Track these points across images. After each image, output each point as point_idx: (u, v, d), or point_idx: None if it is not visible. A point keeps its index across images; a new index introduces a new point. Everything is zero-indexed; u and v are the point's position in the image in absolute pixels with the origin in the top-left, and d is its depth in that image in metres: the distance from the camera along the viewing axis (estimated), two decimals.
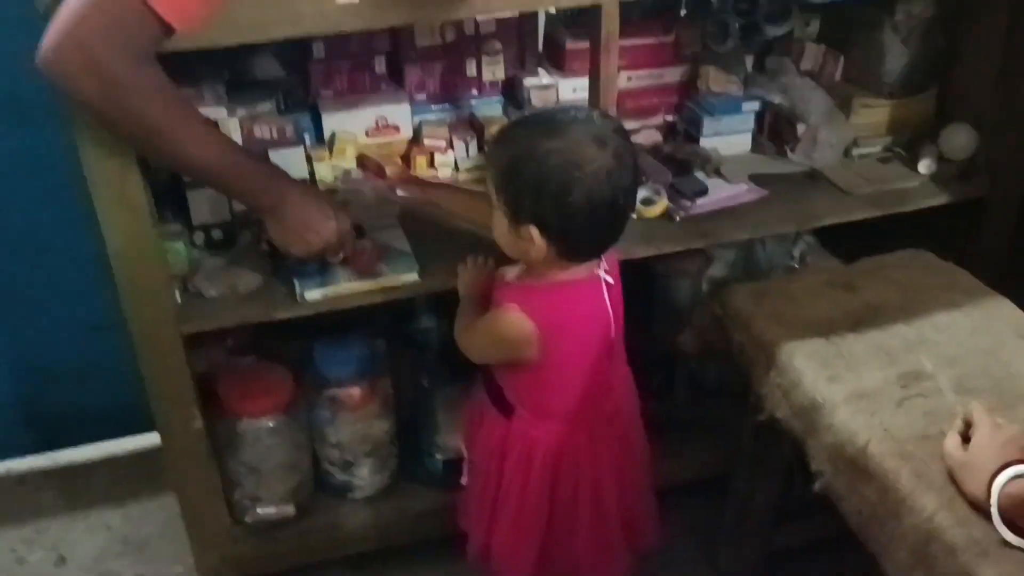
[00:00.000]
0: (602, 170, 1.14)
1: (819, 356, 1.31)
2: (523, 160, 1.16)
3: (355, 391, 1.57)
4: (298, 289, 1.38)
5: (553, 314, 1.24)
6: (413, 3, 1.20)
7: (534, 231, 1.17)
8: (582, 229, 1.18)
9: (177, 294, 1.36)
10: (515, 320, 1.23)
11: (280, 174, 1.31)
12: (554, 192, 1.14)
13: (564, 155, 1.14)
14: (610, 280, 1.26)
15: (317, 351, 1.57)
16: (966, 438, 1.11)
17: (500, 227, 1.22)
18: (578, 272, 1.24)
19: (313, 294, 1.38)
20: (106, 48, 1.03)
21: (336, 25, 1.19)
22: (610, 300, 1.27)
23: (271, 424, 1.54)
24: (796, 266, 1.82)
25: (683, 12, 1.72)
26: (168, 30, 1.05)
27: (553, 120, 1.18)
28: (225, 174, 1.20)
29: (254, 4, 1.12)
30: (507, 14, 1.61)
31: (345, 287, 1.39)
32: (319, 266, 1.39)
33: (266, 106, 1.56)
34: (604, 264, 1.26)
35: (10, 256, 1.74)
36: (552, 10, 1.68)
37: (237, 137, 1.52)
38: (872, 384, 1.25)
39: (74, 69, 1.03)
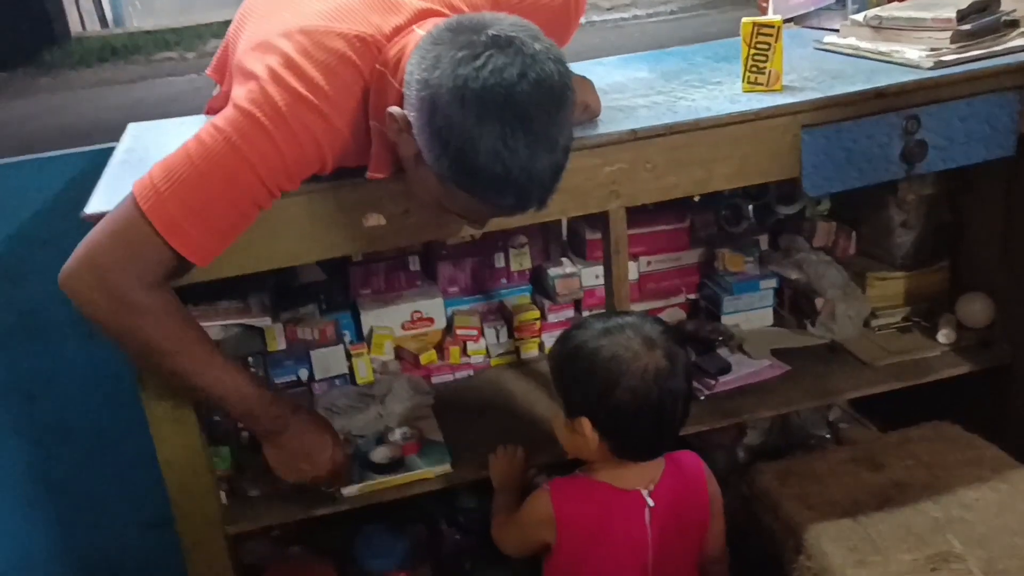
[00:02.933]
0: (649, 369, 1.22)
1: (846, 538, 1.32)
2: (575, 354, 1.26)
3: None
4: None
5: (579, 508, 1.28)
6: (435, 224, 1.31)
7: (586, 424, 1.25)
8: (629, 425, 1.24)
9: (223, 495, 1.44)
10: (538, 498, 1.30)
11: (284, 403, 1.33)
12: (601, 386, 1.23)
13: (612, 350, 1.23)
14: (651, 503, 1.28)
15: (358, 544, 1.61)
16: None
17: (557, 421, 1.31)
18: (625, 480, 1.29)
19: (350, 490, 1.44)
20: (118, 272, 1.12)
21: (367, 246, 1.31)
22: (656, 525, 1.28)
23: None
24: (827, 436, 1.83)
25: (696, 199, 1.82)
26: (185, 263, 1.15)
27: (607, 321, 1.29)
28: (227, 398, 1.25)
29: (293, 236, 1.24)
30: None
31: (380, 482, 1.45)
32: (356, 461, 1.46)
33: (308, 309, 1.67)
34: (651, 486, 1.29)
35: (75, 457, 1.86)
36: None
37: (281, 340, 1.62)
38: (901, 567, 1.25)
39: (85, 288, 1.12)
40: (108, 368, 1.74)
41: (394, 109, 1.11)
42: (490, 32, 1.05)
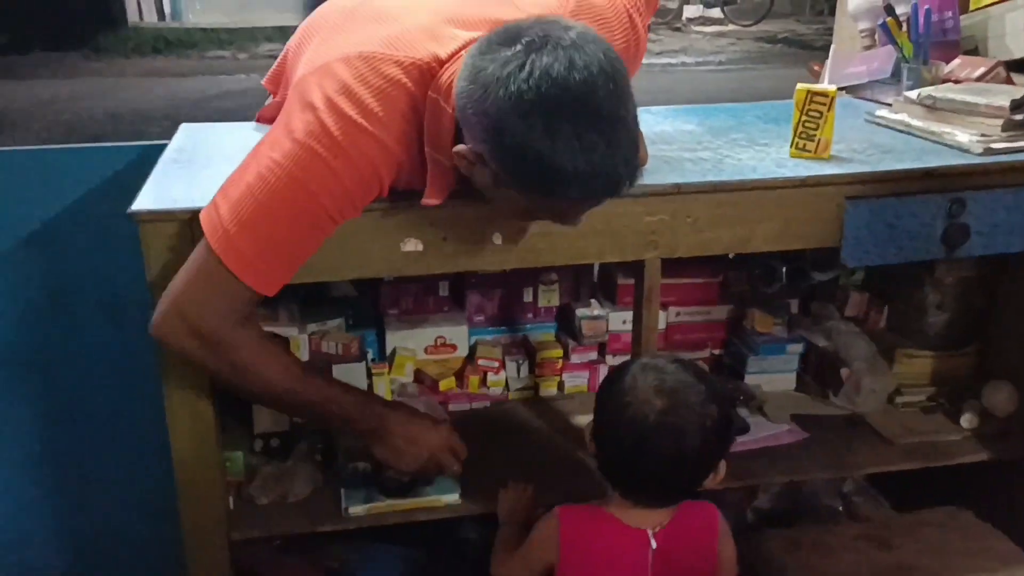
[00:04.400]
0: (649, 416, 1.23)
1: None
2: (612, 372, 1.33)
3: None
4: (343, 503, 1.44)
5: (584, 533, 1.29)
6: (471, 254, 1.32)
7: (588, 427, 1.32)
8: (616, 456, 1.27)
9: (231, 500, 1.44)
10: (546, 519, 1.32)
11: (374, 399, 1.41)
12: (604, 406, 1.28)
13: (633, 383, 1.26)
14: (654, 544, 1.28)
15: (358, 562, 1.61)
16: None
17: (588, 427, 1.34)
18: (632, 518, 1.29)
19: (357, 509, 1.44)
20: (205, 316, 1.18)
21: (402, 270, 1.32)
22: (658, 569, 1.28)
23: None
24: (839, 508, 1.81)
25: (731, 256, 1.82)
26: (257, 295, 1.20)
27: (656, 360, 1.31)
28: (326, 410, 1.32)
29: (331, 251, 1.25)
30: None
31: (388, 504, 1.45)
32: (366, 480, 1.47)
33: (335, 323, 1.68)
34: (657, 528, 1.29)
35: (86, 438, 1.87)
36: None
37: (305, 351, 1.63)
38: None
39: (178, 336, 1.20)
40: (131, 355, 1.76)
41: (460, 148, 1.13)
42: (524, 39, 1.07)
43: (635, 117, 1.11)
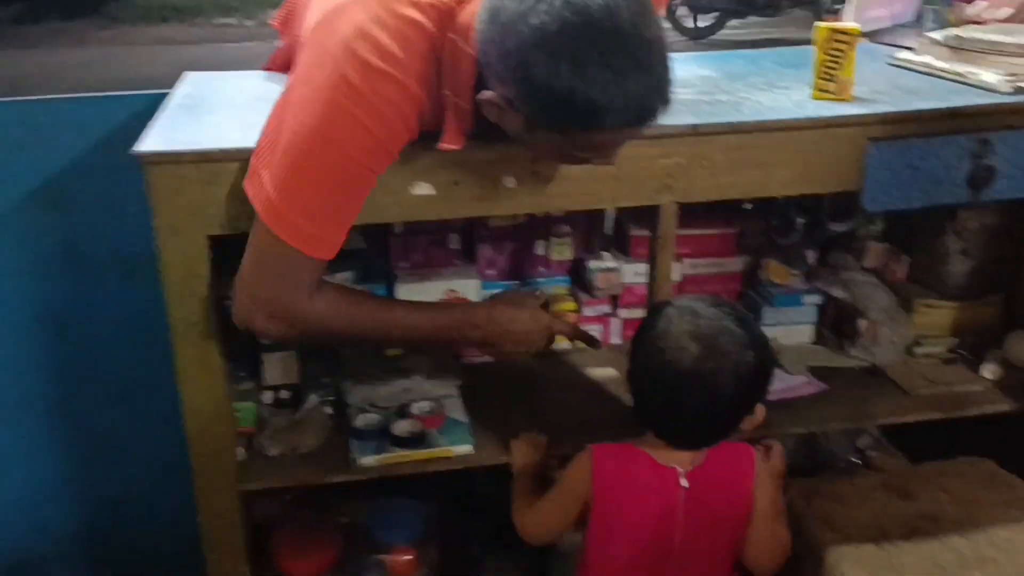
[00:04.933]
0: (681, 356, 1.22)
1: (868, 564, 1.28)
2: (650, 311, 1.33)
3: (403, 558, 1.59)
4: (354, 454, 1.43)
5: (617, 467, 1.29)
6: (484, 198, 1.29)
7: (624, 368, 1.32)
8: (646, 393, 1.27)
9: (241, 451, 1.43)
10: (580, 456, 1.31)
11: (469, 308, 1.45)
12: (638, 343, 1.28)
13: (667, 324, 1.25)
14: (685, 483, 1.27)
15: (370, 515, 1.60)
16: None
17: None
18: (664, 457, 1.29)
19: (367, 460, 1.42)
20: (281, 297, 1.19)
21: (413, 215, 1.30)
22: (689, 509, 1.27)
23: None
24: (858, 461, 1.79)
25: (748, 205, 1.78)
26: (322, 262, 1.20)
27: (695, 302, 1.29)
28: (423, 339, 1.36)
29: None
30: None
31: (399, 455, 1.43)
32: (377, 431, 1.45)
33: (345, 275, 1.65)
34: (689, 468, 1.29)
35: (98, 392, 1.85)
36: None
37: None
38: None
39: (262, 323, 1.21)
40: (142, 308, 1.73)
41: (485, 94, 1.11)
42: None
43: (663, 37, 1.07)
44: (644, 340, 1.27)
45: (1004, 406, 1.58)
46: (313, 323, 1.23)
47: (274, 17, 1.52)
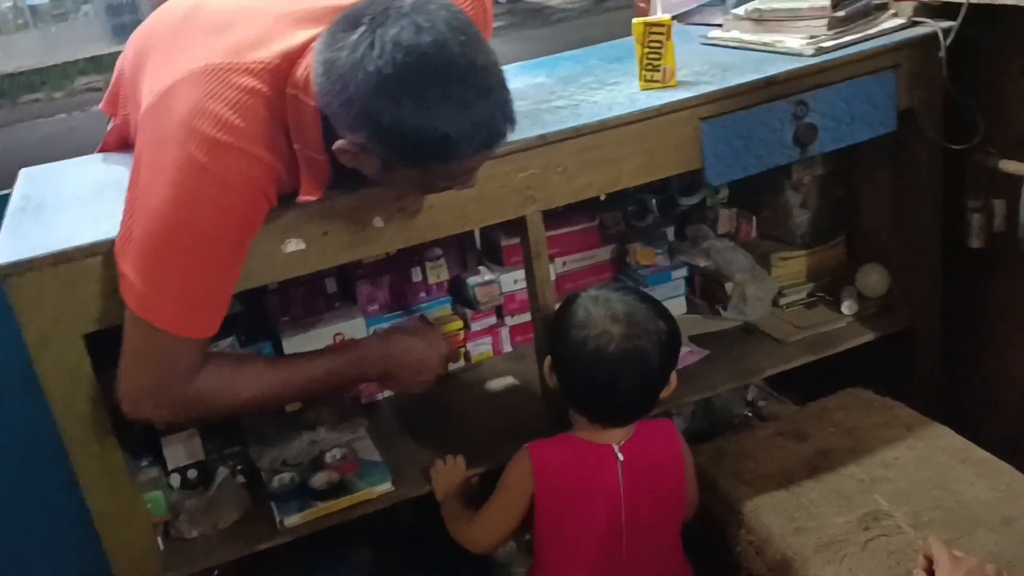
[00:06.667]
0: (602, 336, 1.30)
1: (783, 509, 1.37)
2: (564, 302, 1.39)
3: None
4: (278, 516, 1.42)
5: (555, 456, 1.34)
6: (355, 243, 1.31)
7: (549, 362, 1.38)
8: (574, 376, 1.33)
9: (160, 541, 1.39)
10: (517, 456, 1.37)
11: (361, 345, 1.44)
12: (560, 330, 1.35)
13: (587, 310, 1.33)
14: (621, 457, 1.34)
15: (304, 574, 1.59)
16: (931, 573, 1.17)
17: (547, 362, 1.40)
18: (597, 437, 1.35)
19: (293, 519, 1.41)
20: (165, 384, 1.19)
21: (286, 272, 1.30)
22: (628, 480, 1.34)
23: None
24: (750, 414, 1.90)
25: (602, 198, 1.86)
26: (204, 340, 1.20)
27: (609, 291, 1.37)
28: (317, 389, 1.36)
29: None
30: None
31: (322, 508, 1.43)
32: (295, 489, 1.45)
33: (227, 342, 1.63)
34: (622, 442, 1.35)
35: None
36: None
37: None
38: (836, 531, 1.31)
39: (151, 411, 1.22)
40: (24, 426, 1.67)
41: (339, 144, 1.12)
42: (365, 19, 1.07)
43: (495, 62, 1.12)
44: (566, 333, 1.33)
45: (868, 336, 1.72)
46: (202, 401, 1.23)
47: (103, 102, 1.48)
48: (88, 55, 1.69)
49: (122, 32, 1.56)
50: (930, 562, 1.18)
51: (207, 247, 1.14)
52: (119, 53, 1.43)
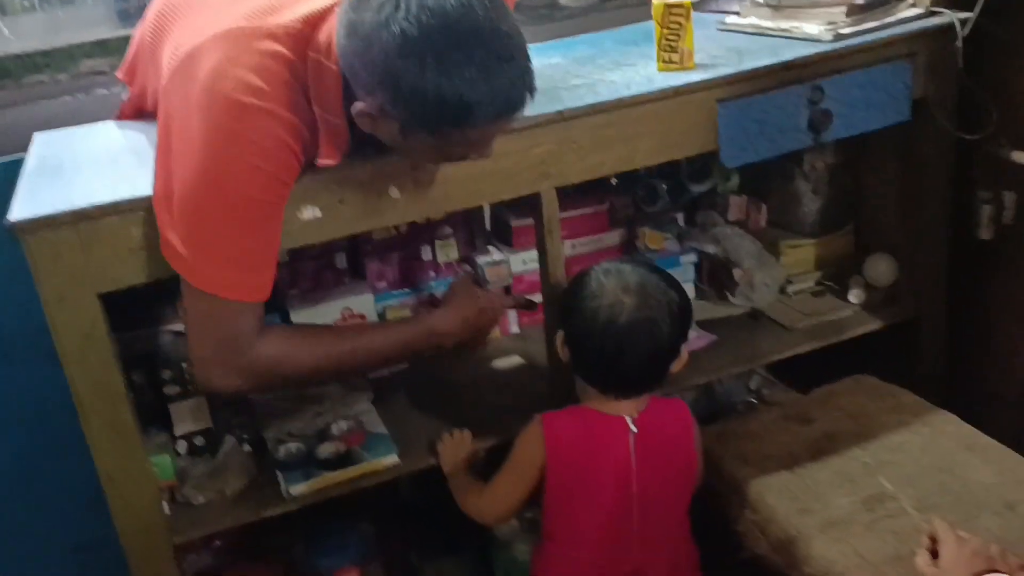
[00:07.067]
0: (614, 307, 1.30)
1: (788, 490, 1.38)
2: (577, 276, 1.40)
3: None
4: (283, 485, 1.42)
5: (566, 427, 1.35)
6: (370, 212, 1.31)
7: (560, 336, 1.38)
8: (586, 347, 1.33)
9: (166, 505, 1.40)
10: (529, 427, 1.37)
11: (431, 320, 1.43)
12: (572, 302, 1.35)
13: (599, 282, 1.34)
14: (634, 428, 1.35)
15: (308, 543, 1.59)
16: (935, 553, 1.18)
17: (558, 337, 1.40)
18: (609, 408, 1.36)
19: (298, 488, 1.42)
20: (229, 353, 1.21)
21: (303, 239, 1.30)
22: (640, 453, 1.34)
23: None
24: (754, 400, 1.91)
25: (613, 181, 1.87)
26: (259, 304, 1.22)
27: (621, 264, 1.38)
28: (383, 358, 1.41)
29: None
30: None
31: (327, 478, 1.43)
32: (302, 458, 1.45)
33: None
34: (635, 415, 1.36)
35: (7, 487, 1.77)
36: None
37: None
38: (840, 511, 1.32)
39: (225, 382, 1.23)
40: (29, 390, 1.67)
41: (357, 105, 1.13)
42: None
43: (519, 31, 1.12)
44: (578, 305, 1.34)
45: (874, 325, 1.73)
46: (270, 367, 1.24)
47: (120, 69, 1.49)
48: (94, 39, 1.69)
49: (127, 17, 1.56)
50: (934, 542, 1.19)
51: (246, 209, 1.15)
52: (125, 37, 1.44)
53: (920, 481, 1.35)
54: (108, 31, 1.63)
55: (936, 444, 1.43)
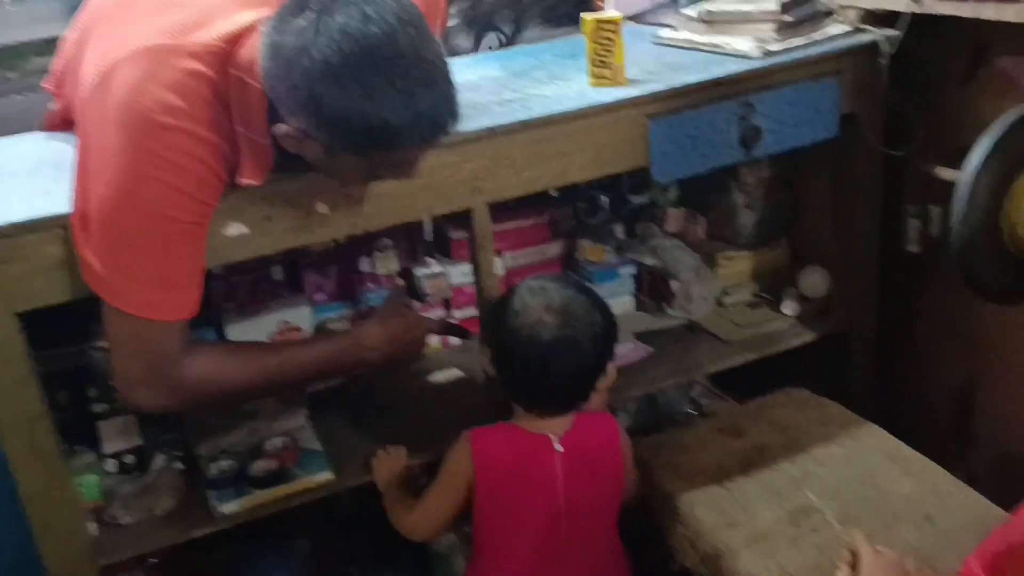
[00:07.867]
0: (536, 325, 1.31)
1: (716, 503, 1.39)
2: (504, 295, 1.40)
3: None
4: (214, 504, 1.41)
5: (494, 444, 1.36)
6: (299, 228, 1.30)
7: (487, 353, 1.39)
8: (512, 365, 1.34)
9: (94, 526, 1.38)
10: (457, 443, 1.38)
11: (359, 333, 1.43)
12: (497, 320, 1.36)
13: (523, 301, 1.34)
14: (559, 448, 1.36)
15: (241, 565, 1.58)
16: (854, 567, 1.20)
17: (484, 351, 1.42)
18: (536, 427, 1.37)
19: (229, 507, 1.41)
20: (154, 372, 1.21)
21: (230, 256, 1.29)
22: (567, 471, 1.35)
23: None
24: (694, 411, 1.93)
25: (555, 194, 1.88)
26: (184, 322, 1.21)
27: (546, 282, 1.39)
28: (319, 372, 1.42)
29: None
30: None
31: (260, 496, 1.42)
32: (233, 476, 1.44)
33: None
34: (560, 434, 1.37)
35: None
36: None
37: None
38: (766, 525, 1.34)
39: (150, 400, 1.23)
40: None
41: (281, 127, 1.12)
42: (313, 4, 1.07)
43: (442, 55, 1.13)
44: (504, 322, 1.35)
45: (807, 337, 1.76)
46: (197, 385, 1.24)
47: (46, 79, 1.46)
48: (45, 36, 1.66)
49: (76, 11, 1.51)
50: (854, 556, 1.21)
51: (164, 229, 1.14)
52: None
53: (844, 493, 1.37)
54: (59, 28, 1.60)
55: (860, 456, 1.45)
